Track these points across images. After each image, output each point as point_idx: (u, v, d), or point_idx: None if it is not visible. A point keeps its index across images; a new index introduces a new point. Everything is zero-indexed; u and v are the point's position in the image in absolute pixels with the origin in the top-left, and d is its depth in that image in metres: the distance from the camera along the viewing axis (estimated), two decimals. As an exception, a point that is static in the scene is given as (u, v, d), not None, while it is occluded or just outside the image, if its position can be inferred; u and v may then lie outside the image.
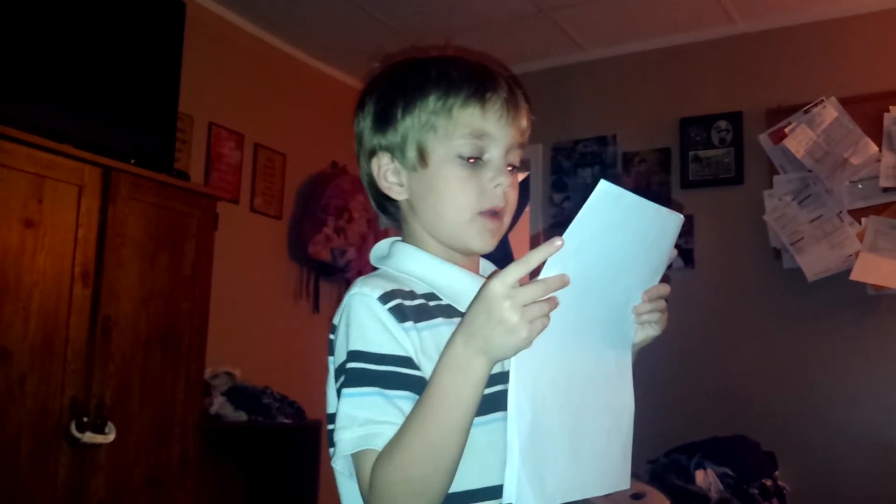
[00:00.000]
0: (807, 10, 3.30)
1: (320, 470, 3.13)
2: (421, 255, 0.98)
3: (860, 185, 3.14)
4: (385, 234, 1.07)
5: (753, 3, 3.30)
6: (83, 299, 2.20)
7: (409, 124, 0.97)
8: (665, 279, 0.97)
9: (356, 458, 0.85)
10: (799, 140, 3.21)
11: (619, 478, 0.96)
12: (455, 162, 0.95)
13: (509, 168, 0.98)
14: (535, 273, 0.80)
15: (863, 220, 3.11)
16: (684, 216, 0.93)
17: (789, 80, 3.35)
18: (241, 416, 2.96)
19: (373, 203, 1.06)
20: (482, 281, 0.87)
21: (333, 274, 3.72)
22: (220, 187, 3.28)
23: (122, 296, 2.30)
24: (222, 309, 2.88)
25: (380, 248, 1.03)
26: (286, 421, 3.10)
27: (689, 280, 3.37)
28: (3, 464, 2.00)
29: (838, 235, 3.13)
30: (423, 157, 0.96)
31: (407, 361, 0.87)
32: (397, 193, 1.00)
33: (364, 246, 3.64)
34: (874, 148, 3.11)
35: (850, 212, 3.13)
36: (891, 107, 3.11)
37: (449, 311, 0.93)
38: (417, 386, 0.85)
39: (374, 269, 1.01)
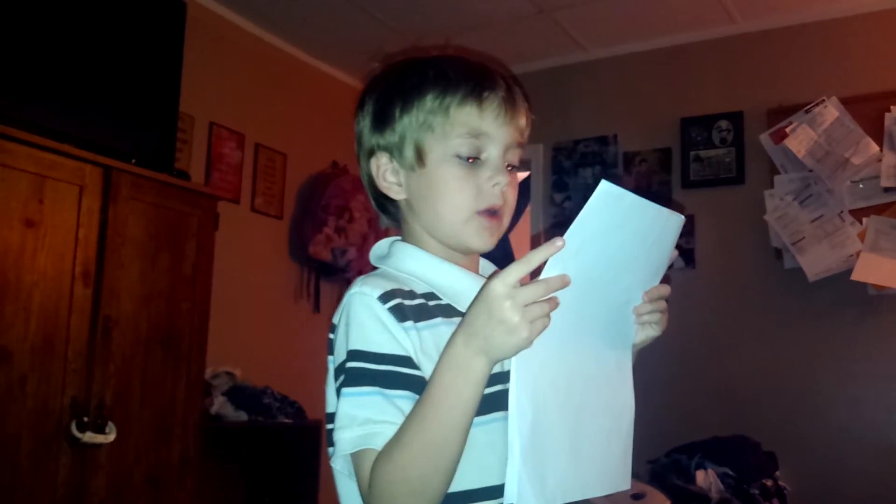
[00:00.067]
0: (808, 9, 3.30)
1: (321, 470, 3.13)
2: (421, 254, 0.98)
3: (861, 185, 3.13)
4: (386, 234, 1.08)
5: (754, 3, 3.29)
6: (84, 299, 2.20)
7: (407, 124, 0.97)
8: (666, 279, 0.97)
9: (355, 457, 0.85)
10: (800, 140, 3.20)
11: (619, 478, 0.96)
12: (452, 161, 0.95)
13: (508, 167, 0.98)
14: (535, 273, 0.80)
15: (864, 219, 3.11)
16: (685, 216, 0.93)
17: (790, 79, 3.34)
18: (242, 416, 2.96)
19: (373, 202, 1.06)
20: (482, 281, 0.87)
21: (334, 274, 3.72)
22: (221, 187, 3.28)
23: (122, 296, 2.30)
24: (223, 309, 2.88)
25: (379, 248, 1.03)
26: (287, 421, 3.10)
27: (690, 280, 3.37)
28: (3, 464, 2.00)
29: (839, 235, 3.13)
30: (420, 156, 0.96)
31: (407, 361, 0.87)
32: (396, 193, 1.00)
33: (365, 246, 3.64)
34: (875, 148, 3.10)
35: (852, 212, 3.13)
36: (892, 106, 3.11)
37: (449, 311, 0.93)
38: (417, 385, 0.85)
39: (374, 268, 1.01)
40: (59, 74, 2.31)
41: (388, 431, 0.82)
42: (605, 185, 0.79)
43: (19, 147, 2.08)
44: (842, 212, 3.14)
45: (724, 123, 3.47)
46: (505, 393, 0.84)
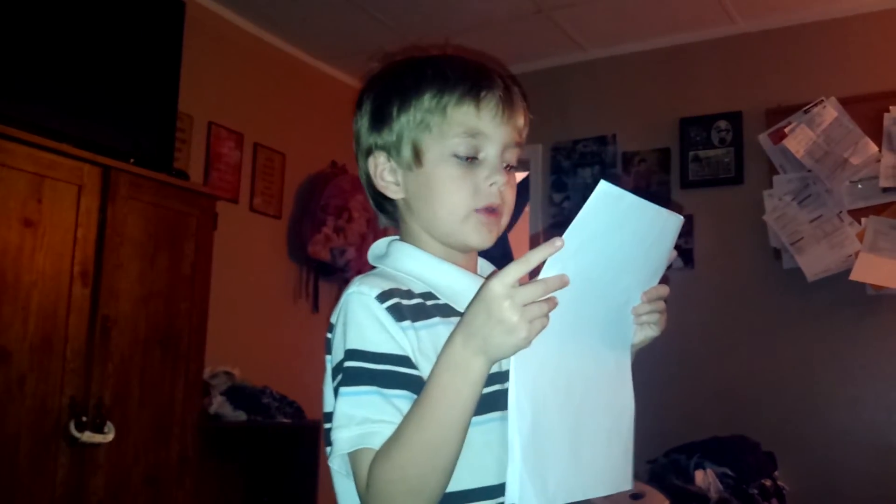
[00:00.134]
0: (807, 9, 3.30)
1: (319, 469, 3.13)
2: (419, 254, 0.98)
3: (860, 185, 3.14)
4: (385, 234, 1.07)
5: (753, 3, 3.29)
6: (82, 299, 2.20)
7: (405, 123, 0.96)
8: (664, 280, 0.97)
9: (353, 456, 0.85)
10: (799, 140, 3.21)
11: (620, 478, 0.95)
12: (450, 161, 0.95)
13: (506, 167, 0.98)
14: (534, 273, 0.80)
15: (863, 220, 3.11)
16: (684, 216, 0.93)
17: (789, 79, 3.35)
18: (241, 415, 2.96)
19: (371, 202, 1.06)
20: (480, 280, 0.87)
21: (333, 273, 3.72)
22: (220, 187, 3.28)
23: (121, 295, 2.30)
24: (221, 308, 2.88)
25: (378, 247, 1.03)
26: (285, 420, 3.10)
27: (689, 280, 3.37)
28: (2, 463, 2.00)
29: (838, 235, 3.13)
30: (417, 156, 0.96)
31: (404, 360, 0.87)
32: (394, 192, 1.00)
33: (363, 245, 3.64)
34: (874, 148, 3.11)
35: (850, 212, 3.13)
36: (891, 107, 3.11)
37: (446, 311, 0.93)
38: (415, 385, 0.85)
39: (373, 268, 1.01)
40: (58, 74, 2.31)
41: (386, 431, 0.82)
42: (603, 186, 0.79)
43: (18, 146, 2.08)
44: (840, 212, 3.14)
45: (723, 123, 3.47)
46: (503, 393, 0.84)
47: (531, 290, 0.78)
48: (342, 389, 0.86)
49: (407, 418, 0.82)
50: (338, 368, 0.88)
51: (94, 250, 2.24)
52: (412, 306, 0.90)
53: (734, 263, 3.37)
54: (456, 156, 0.95)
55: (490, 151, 0.96)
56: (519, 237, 3.82)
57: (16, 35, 2.21)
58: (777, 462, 3.04)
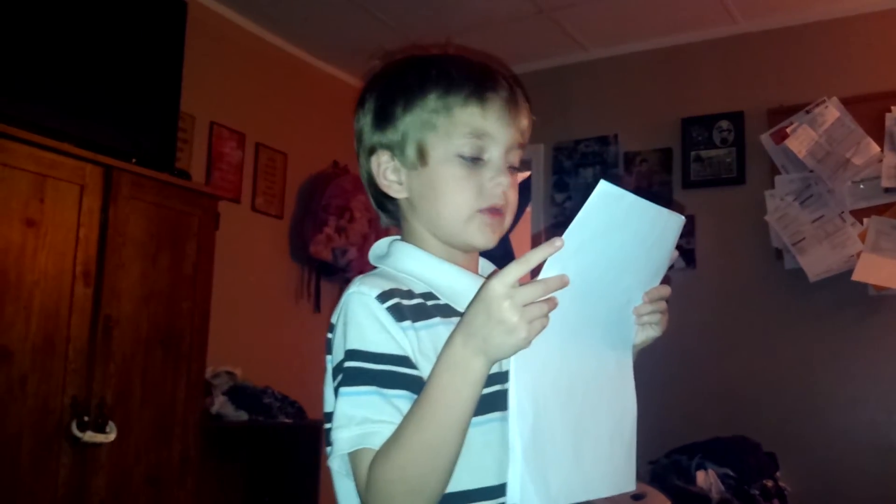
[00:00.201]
0: (808, 9, 3.30)
1: (321, 470, 3.13)
2: (419, 254, 0.98)
3: (862, 186, 3.13)
4: (386, 234, 1.07)
5: (755, 3, 3.29)
6: (84, 299, 2.20)
7: (409, 122, 0.96)
8: (666, 280, 0.97)
9: (353, 457, 0.85)
10: (801, 140, 3.20)
11: (623, 479, 0.95)
12: (455, 161, 0.95)
13: (509, 168, 0.98)
14: (536, 273, 0.80)
15: (864, 220, 3.11)
16: (685, 216, 0.93)
17: (791, 79, 3.34)
18: (242, 415, 2.96)
19: (372, 201, 1.06)
20: (481, 281, 0.87)
21: (334, 274, 3.72)
22: (222, 187, 3.28)
23: (123, 295, 2.30)
24: (223, 308, 2.88)
25: (378, 247, 1.03)
26: (287, 421, 3.10)
27: (691, 280, 3.37)
28: (4, 463, 2.00)
29: (840, 236, 3.13)
30: (422, 155, 0.96)
31: (404, 361, 0.87)
32: (396, 192, 1.00)
33: (365, 246, 3.64)
34: (876, 148, 3.10)
35: (852, 212, 3.13)
36: (893, 107, 3.11)
37: (447, 311, 0.93)
38: (415, 385, 0.85)
39: (374, 268, 1.01)
40: (60, 74, 2.31)
41: (386, 431, 0.82)
42: (603, 186, 0.79)
43: (20, 146, 2.08)
44: (842, 212, 3.14)
45: (724, 123, 3.46)
46: (502, 393, 0.84)
47: (531, 291, 0.78)
48: (342, 389, 0.86)
49: (406, 418, 0.82)
50: (338, 368, 0.89)
51: (96, 250, 2.24)
52: (412, 306, 0.90)
53: (736, 264, 3.37)
54: (461, 156, 0.95)
55: (494, 152, 0.96)
56: (520, 237, 3.82)
57: (17, 35, 2.21)
58: (778, 462, 3.04)
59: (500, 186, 0.95)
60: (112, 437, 2.20)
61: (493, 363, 0.81)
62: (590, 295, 0.86)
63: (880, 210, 3.09)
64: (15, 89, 2.19)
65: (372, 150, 1.01)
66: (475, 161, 0.95)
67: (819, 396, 3.13)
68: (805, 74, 3.32)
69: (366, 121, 1.02)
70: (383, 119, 0.99)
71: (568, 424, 0.88)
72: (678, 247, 0.96)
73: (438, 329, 0.90)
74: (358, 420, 0.83)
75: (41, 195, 2.12)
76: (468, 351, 0.80)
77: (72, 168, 2.20)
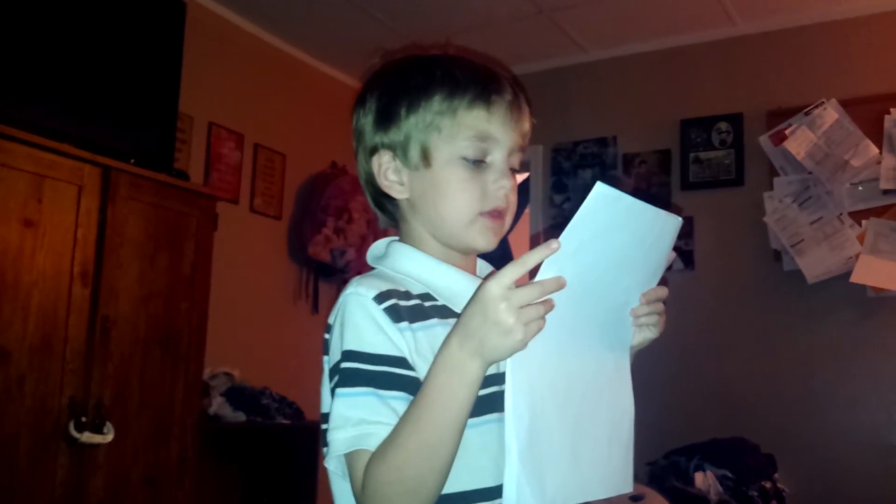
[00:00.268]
0: (807, 11, 3.30)
1: (318, 470, 3.12)
2: (417, 255, 0.98)
3: (860, 188, 3.13)
4: (385, 235, 1.07)
5: (754, 5, 3.29)
6: (82, 299, 2.20)
7: (413, 124, 0.96)
8: (663, 281, 0.97)
9: (349, 458, 0.85)
10: (799, 142, 3.20)
11: (621, 481, 0.95)
12: (458, 163, 0.95)
13: (510, 171, 0.98)
14: (533, 274, 0.80)
15: (863, 222, 3.11)
16: (684, 218, 0.93)
17: (790, 81, 3.34)
18: (240, 416, 2.96)
19: (370, 200, 1.05)
20: (478, 282, 0.87)
21: (333, 275, 3.72)
22: (220, 187, 3.28)
23: (121, 296, 2.30)
24: (221, 309, 2.88)
25: (376, 248, 1.03)
26: (285, 421, 3.10)
27: (689, 282, 3.37)
28: (1, 463, 1.99)
29: (838, 237, 3.13)
30: (426, 157, 0.96)
31: (401, 362, 0.87)
32: (397, 192, 1.00)
33: (364, 246, 3.64)
34: (874, 150, 3.10)
35: (851, 214, 3.13)
36: (891, 109, 3.11)
37: (444, 312, 0.93)
38: (412, 386, 0.85)
39: (372, 269, 1.01)
40: (59, 74, 2.31)
41: (382, 432, 0.82)
42: (600, 187, 0.79)
43: (18, 147, 2.08)
44: (841, 214, 3.14)
45: (723, 125, 3.47)
46: (499, 395, 0.84)
47: (527, 292, 0.78)
48: (339, 390, 0.86)
49: (403, 420, 0.82)
50: (335, 369, 0.88)
51: (94, 250, 2.24)
52: (410, 307, 0.90)
53: (734, 265, 3.37)
54: (464, 158, 0.95)
55: (497, 155, 0.96)
56: (519, 238, 3.82)
57: (16, 35, 2.21)
58: (777, 464, 3.04)
59: (503, 189, 0.96)
60: (110, 437, 2.20)
61: (490, 365, 0.81)
62: (587, 296, 0.86)
63: (879, 212, 3.10)
64: (13, 89, 2.19)
65: (373, 150, 1.00)
66: (478, 163, 0.95)
67: (818, 397, 3.13)
68: (804, 76, 3.32)
69: (367, 120, 1.01)
70: (386, 119, 0.98)
71: (565, 426, 0.87)
72: (676, 248, 0.96)
73: (436, 330, 0.90)
74: (354, 421, 0.83)
75: (39, 195, 2.12)
76: (464, 352, 0.80)
77: (70, 168, 2.20)
